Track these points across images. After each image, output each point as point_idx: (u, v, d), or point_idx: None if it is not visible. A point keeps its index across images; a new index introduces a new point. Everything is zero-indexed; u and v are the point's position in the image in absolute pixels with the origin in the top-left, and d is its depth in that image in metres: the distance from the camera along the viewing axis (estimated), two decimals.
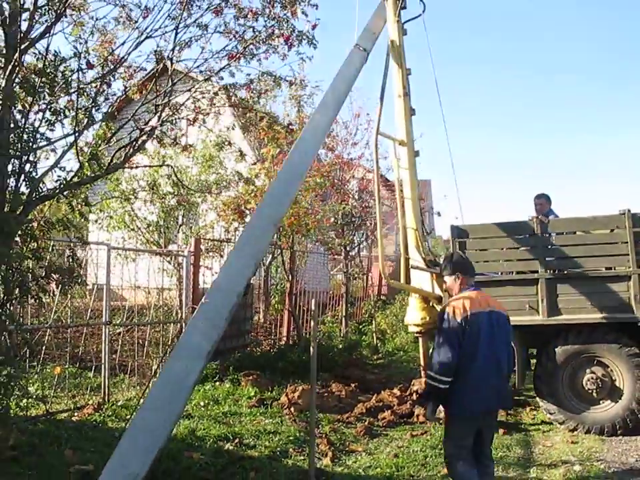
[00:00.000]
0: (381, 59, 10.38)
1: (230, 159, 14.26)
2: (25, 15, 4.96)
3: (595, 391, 8.82)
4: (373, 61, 11.21)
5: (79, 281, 5.36)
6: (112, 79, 5.75)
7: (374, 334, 16.47)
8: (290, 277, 13.73)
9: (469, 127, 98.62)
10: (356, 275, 18.91)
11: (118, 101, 6.40)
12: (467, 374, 5.37)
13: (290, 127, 10.69)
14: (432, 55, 11.30)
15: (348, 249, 16.70)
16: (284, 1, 6.30)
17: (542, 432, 9.07)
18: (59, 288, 5.49)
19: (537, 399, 9.31)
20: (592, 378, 8.84)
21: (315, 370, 5.84)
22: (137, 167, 9.49)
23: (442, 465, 7.27)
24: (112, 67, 5.93)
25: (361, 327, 17.93)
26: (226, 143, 9.45)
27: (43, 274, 5.05)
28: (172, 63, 6.07)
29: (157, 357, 10.78)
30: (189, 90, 6.41)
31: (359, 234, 18.43)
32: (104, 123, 6.06)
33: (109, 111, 5.96)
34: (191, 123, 6.76)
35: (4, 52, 4.85)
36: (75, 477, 6.03)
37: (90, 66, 5.22)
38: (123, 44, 5.85)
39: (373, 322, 17.00)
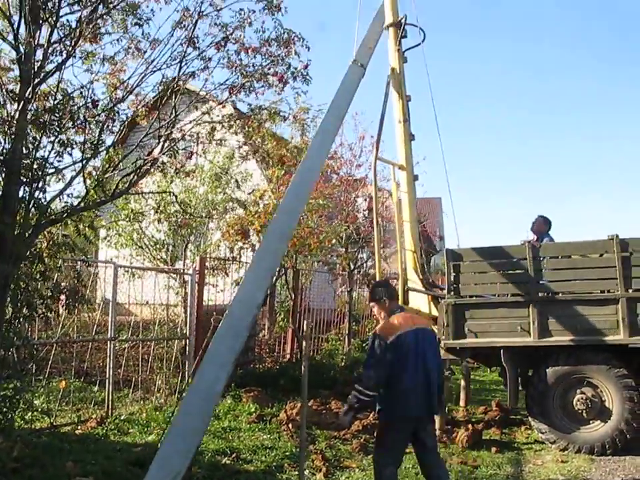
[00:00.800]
0: (383, 85, 10.75)
1: (236, 179, 14.64)
2: (39, 52, 5.31)
3: (584, 411, 9.05)
4: (376, 87, 11.57)
5: (84, 301, 5.70)
6: (117, 114, 6.05)
7: None
8: (294, 296, 14.01)
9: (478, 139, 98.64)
10: (361, 286, 19.07)
11: (124, 128, 6.72)
12: (397, 384, 6.00)
13: (284, 159, 11.04)
14: (430, 80, 11.59)
15: (351, 267, 16.96)
16: (279, 41, 6.66)
17: (534, 451, 9.29)
18: (64, 307, 5.83)
19: (529, 418, 9.54)
20: (582, 398, 9.07)
21: (306, 387, 6.13)
22: (142, 193, 9.86)
23: None
24: (121, 96, 6.26)
25: (364, 344, 18.12)
26: (223, 174, 9.82)
27: (50, 294, 5.39)
28: (176, 95, 6.40)
29: (161, 373, 11.07)
30: (191, 122, 6.71)
31: (364, 252, 18.67)
32: (111, 150, 6.39)
33: (116, 139, 6.29)
34: (188, 157, 7.08)
35: (17, 88, 5.19)
36: None
37: (95, 104, 5.56)
38: (129, 77, 6.20)
39: None
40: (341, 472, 7.88)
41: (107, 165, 6.42)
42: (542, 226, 10.87)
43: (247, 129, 7.77)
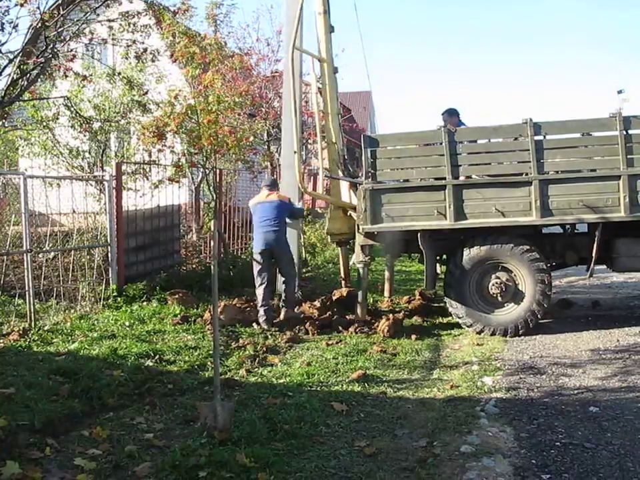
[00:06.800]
0: None
1: (151, 80, 14.17)
2: None
3: (499, 294, 9.42)
4: None
5: None
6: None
7: (304, 248, 16.65)
8: (216, 196, 13.80)
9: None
10: None
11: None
12: (258, 230, 10.26)
13: (195, 56, 10.81)
14: None
15: (274, 165, 16.78)
16: None
17: (453, 336, 9.66)
18: None
19: (447, 303, 9.85)
20: (497, 283, 9.43)
21: (217, 286, 6.09)
22: (33, 100, 9.45)
23: (351, 371, 7.75)
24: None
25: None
26: (117, 75, 9.50)
27: None
28: None
29: (85, 281, 10.95)
30: (77, 20, 6.38)
31: None
32: None
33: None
34: (70, 59, 6.74)
35: None
36: None
37: None
38: None
39: (302, 236, 17.08)
40: (263, 367, 8.03)
41: None
42: (451, 119, 10.83)
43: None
